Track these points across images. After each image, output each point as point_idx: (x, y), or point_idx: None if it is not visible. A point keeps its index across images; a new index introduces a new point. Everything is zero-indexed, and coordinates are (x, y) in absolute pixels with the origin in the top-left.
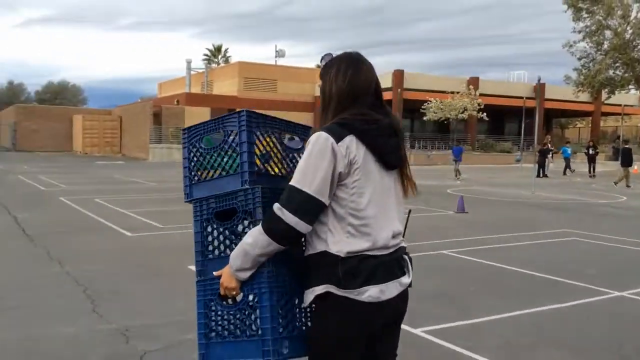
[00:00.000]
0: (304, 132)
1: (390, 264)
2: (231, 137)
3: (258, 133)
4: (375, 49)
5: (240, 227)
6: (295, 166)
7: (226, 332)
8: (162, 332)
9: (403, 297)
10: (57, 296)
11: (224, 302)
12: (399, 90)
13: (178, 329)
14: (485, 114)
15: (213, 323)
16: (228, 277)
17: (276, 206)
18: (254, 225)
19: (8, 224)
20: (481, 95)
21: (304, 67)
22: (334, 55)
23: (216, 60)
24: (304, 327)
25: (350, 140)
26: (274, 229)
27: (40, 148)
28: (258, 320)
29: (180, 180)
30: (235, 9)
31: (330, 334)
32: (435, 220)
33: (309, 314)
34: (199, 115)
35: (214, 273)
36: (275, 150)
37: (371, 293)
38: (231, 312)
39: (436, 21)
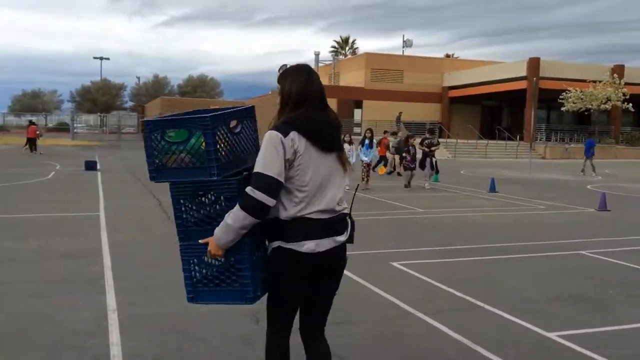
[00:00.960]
0: (247, 113)
1: (327, 225)
2: (193, 139)
3: (217, 131)
4: (507, 37)
5: (213, 208)
6: (239, 148)
7: (211, 284)
8: None
9: (339, 250)
10: None
11: (211, 261)
12: (535, 79)
13: None
14: (631, 104)
15: (197, 275)
16: (215, 246)
17: (248, 189)
18: (222, 205)
19: (153, 207)
20: (627, 84)
21: (431, 57)
22: (288, 66)
23: (343, 52)
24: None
25: (293, 135)
26: (249, 206)
27: None
28: (238, 276)
29: None
30: (361, 0)
31: (281, 275)
32: (574, 217)
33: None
34: None
35: (200, 241)
36: (225, 141)
37: (308, 246)
38: (215, 271)
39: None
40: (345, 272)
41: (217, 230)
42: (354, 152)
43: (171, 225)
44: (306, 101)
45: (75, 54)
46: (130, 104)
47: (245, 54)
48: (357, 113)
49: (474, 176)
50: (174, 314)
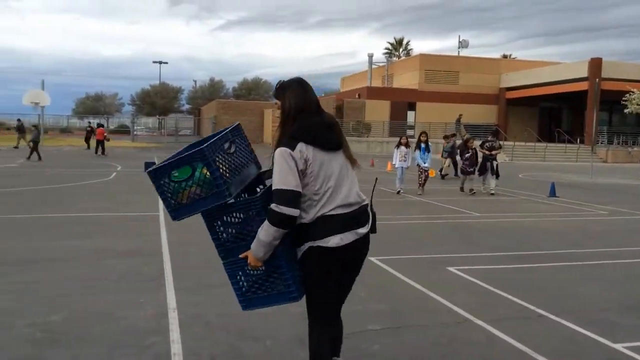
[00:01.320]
0: (235, 133)
1: (348, 219)
2: (197, 171)
3: (215, 158)
4: (565, 37)
5: (249, 227)
6: (239, 163)
7: (259, 291)
8: (344, 320)
9: (362, 241)
10: None
11: (254, 272)
12: (597, 80)
13: (359, 319)
14: None
15: (245, 285)
16: (253, 259)
17: (273, 205)
18: (255, 220)
19: None
20: None
21: (488, 58)
22: (283, 81)
23: (397, 53)
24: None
25: (301, 146)
26: (277, 221)
27: None
28: (280, 280)
29: (359, 172)
30: (416, 1)
31: (315, 272)
32: (638, 224)
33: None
34: (380, 108)
35: (240, 255)
36: (225, 163)
37: (334, 241)
38: (259, 279)
39: (638, 4)
40: (401, 276)
41: (253, 246)
42: (410, 155)
43: None
44: (304, 111)
45: (134, 58)
46: (187, 107)
47: (299, 56)
48: (411, 115)
49: (532, 180)
50: (230, 314)
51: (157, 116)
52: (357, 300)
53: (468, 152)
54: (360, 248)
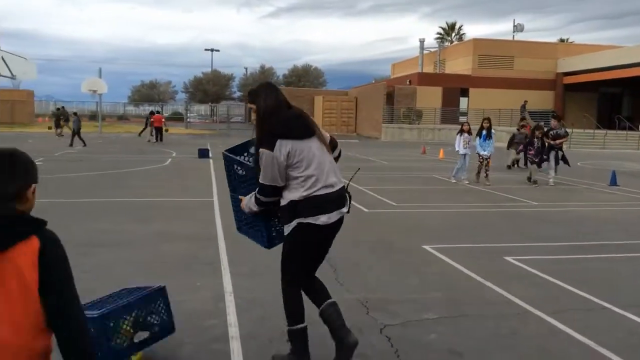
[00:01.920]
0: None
1: (333, 199)
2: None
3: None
4: (626, 19)
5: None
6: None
7: (247, 226)
8: (400, 308)
9: (341, 220)
10: None
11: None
12: None
13: (414, 307)
14: None
15: (242, 217)
16: (245, 207)
17: (257, 194)
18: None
19: None
20: None
21: (544, 42)
22: (253, 88)
23: (449, 38)
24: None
25: (279, 142)
26: (260, 203)
27: None
28: (259, 232)
29: (411, 159)
30: None
31: (299, 242)
32: None
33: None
34: (431, 94)
35: (239, 197)
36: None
37: (323, 219)
38: (248, 221)
39: None
40: (457, 265)
41: (245, 200)
42: (469, 142)
43: None
44: (277, 108)
45: (187, 46)
46: (238, 94)
47: (349, 42)
48: (463, 102)
49: (592, 168)
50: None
51: (210, 103)
52: (412, 289)
53: (535, 141)
54: (339, 225)
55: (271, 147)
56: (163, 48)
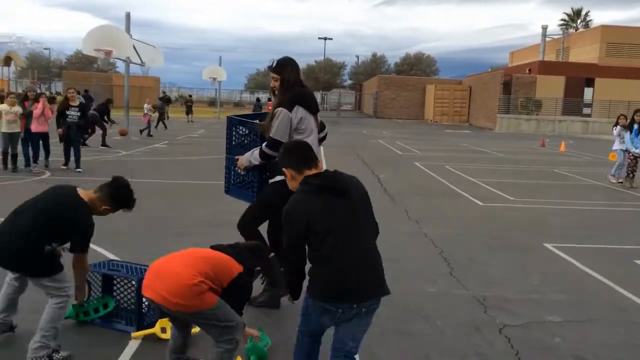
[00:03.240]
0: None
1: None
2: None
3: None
4: None
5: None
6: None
7: (237, 186)
8: (520, 308)
9: None
10: (417, 254)
11: (239, 171)
12: None
13: (536, 308)
14: None
15: (233, 177)
16: (241, 163)
17: (264, 146)
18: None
19: (372, 182)
20: None
21: None
22: (281, 58)
23: (574, 25)
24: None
25: (296, 108)
26: (263, 156)
27: (396, 115)
28: (251, 189)
29: (529, 152)
30: None
31: (281, 192)
32: None
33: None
34: (552, 84)
35: (235, 157)
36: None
37: None
38: (242, 179)
39: None
40: (582, 266)
41: (244, 156)
42: (618, 138)
43: (391, 203)
44: (297, 83)
45: (301, 35)
46: (349, 82)
47: (464, 30)
48: (588, 92)
49: None
50: (395, 289)
51: (320, 91)
52: (533, 289)
53: None
54: None
55: (289, 109)
56: (279, 37)
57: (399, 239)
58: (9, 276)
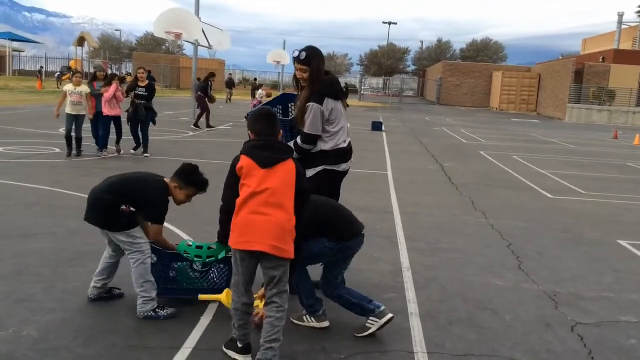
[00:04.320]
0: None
1: (348, 151)
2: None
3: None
4: None
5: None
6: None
7: None
8: (593, 307)
9: (348, 169)
10: (484, 246)
11: None
12: None
13: (610, 307)
14: None
15: None
16: None
17: (299, 141)
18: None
19: (437, 171)
20: None
21: None
22: (307, 49)
23: None
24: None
25: (327, 100)
26: (299, 151)
27: (460, 103)
28: None
29: (601, 144)
30: None
31: (319, 184)
32: None
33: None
34: (628, 74)
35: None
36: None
37: (343, 167)
38: None
39: None
40: None
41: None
42: None
43: (456, 193)
44: (325, 73)
45: (365, 20)
46: (412, 68)
47: (535, 16)
48: None
49: None
50: (465, 281)
51: (383, 77)
52: (606, 287)
53: None
54: (346, 174)
55: (320, 103)
56: (342, 21)
57: (465, 230)
58: (106, 243)
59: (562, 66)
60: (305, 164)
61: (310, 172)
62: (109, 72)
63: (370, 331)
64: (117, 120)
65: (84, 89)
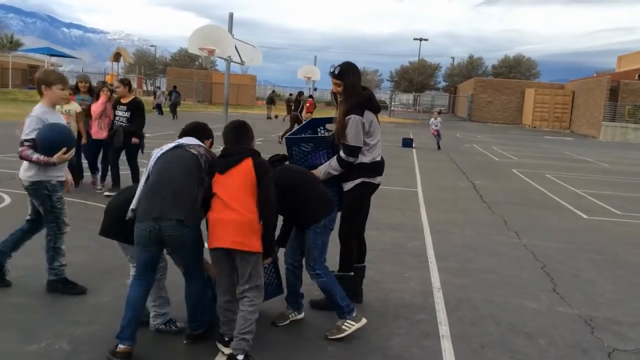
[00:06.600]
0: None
1: (382, 165)
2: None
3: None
4: None
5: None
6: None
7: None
8: (630, 333)
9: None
10: (517, 267)
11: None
12: None
13: None
14: None
15: None
16: (321, 175)
17: (342, 155)
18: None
19: (468, 189)
20: None
21: None
22: (341, 64)
23: None
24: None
25: (366, 113)
26: (344, 165)
27: (492, 119)
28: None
29: (637, 163)
30: None
31: (359, 196)
32: None
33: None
34: None
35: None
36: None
37: (378, 180)
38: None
39: None
40: None
41: (320, 170)
42: None
43: (488, 212)
44: (360, 86)
45: (395, 36)
46: (443, 84)
47: (569, 32)
48: None
49: None
50: (497, 303)
51: (414, 92)
52: None
53: None
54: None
55: (361, 115)
56: (373, 37)
57: (497, 250)
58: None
59: (597, 83)
60: (342, 176)
61: (348, 185)
62: (141, 86)
63: (288, 321)
64: (106, 146)
65: (73, 106)
